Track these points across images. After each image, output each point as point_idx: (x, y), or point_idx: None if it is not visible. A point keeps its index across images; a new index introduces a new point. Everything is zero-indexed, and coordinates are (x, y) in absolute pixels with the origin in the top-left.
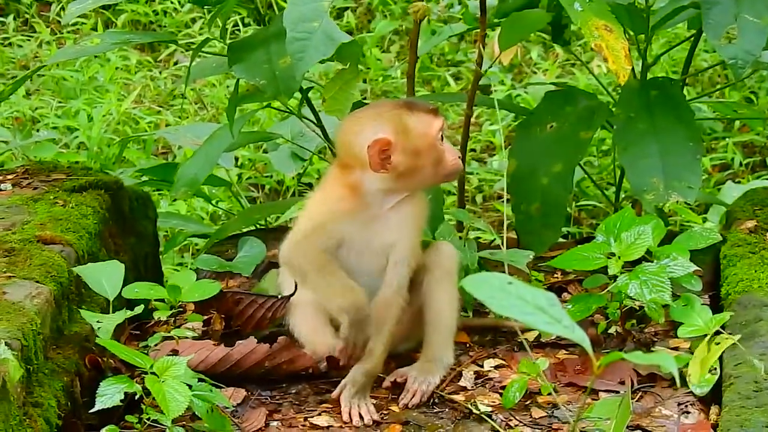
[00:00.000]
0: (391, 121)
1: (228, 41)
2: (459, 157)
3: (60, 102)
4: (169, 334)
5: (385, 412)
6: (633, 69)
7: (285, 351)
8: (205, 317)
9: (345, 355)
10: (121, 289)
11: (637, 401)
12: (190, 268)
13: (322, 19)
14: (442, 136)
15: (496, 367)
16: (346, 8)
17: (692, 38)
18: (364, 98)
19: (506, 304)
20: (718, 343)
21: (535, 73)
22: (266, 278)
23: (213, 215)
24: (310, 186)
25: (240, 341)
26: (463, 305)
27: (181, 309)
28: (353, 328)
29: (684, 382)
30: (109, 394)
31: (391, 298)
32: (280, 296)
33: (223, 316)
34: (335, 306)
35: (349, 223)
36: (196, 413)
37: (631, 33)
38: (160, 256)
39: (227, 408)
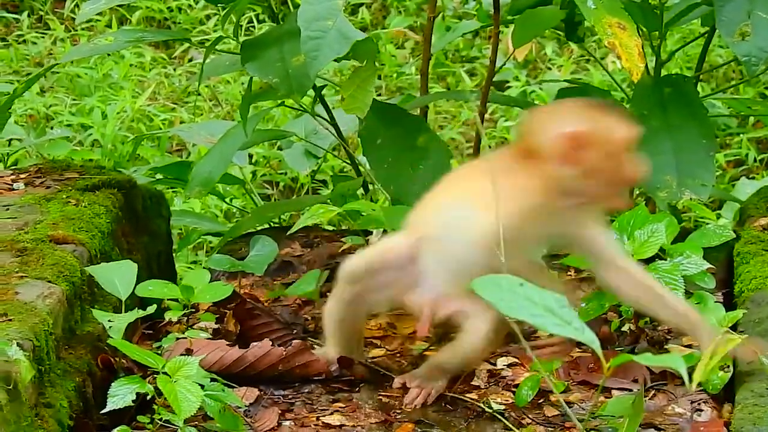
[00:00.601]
0: (590, 118)
1: (242, 38)
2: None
3: (74, 99)
4: (182, 335)
5: (397, 410)
6: (646, 66)
7: (299, 355)
8: (218, 315)
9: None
10: (134, 288)
11: (650, 399)
12: (204, 267)
13: (336, 17)
14: (629, 147)
15: (509, 366)
16: (361, 4)
17: (706, 35)
18: (379, 94)
19: (515, 306)
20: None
21: (549, 68)
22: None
23: (227, 213)
24: (324, 183)
25: (254, 343)
26: None
27: (193, 309)
28: None
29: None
30: (121, 394)
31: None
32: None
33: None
34: None
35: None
36: (208, 413)
37: (645, 30)
38: (174, 255)
39: (240, 408)
